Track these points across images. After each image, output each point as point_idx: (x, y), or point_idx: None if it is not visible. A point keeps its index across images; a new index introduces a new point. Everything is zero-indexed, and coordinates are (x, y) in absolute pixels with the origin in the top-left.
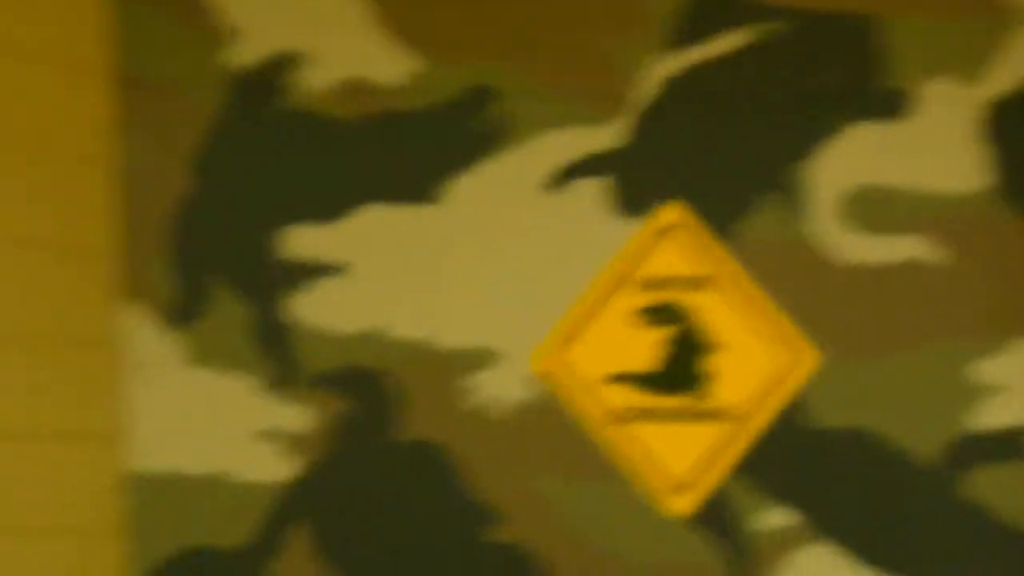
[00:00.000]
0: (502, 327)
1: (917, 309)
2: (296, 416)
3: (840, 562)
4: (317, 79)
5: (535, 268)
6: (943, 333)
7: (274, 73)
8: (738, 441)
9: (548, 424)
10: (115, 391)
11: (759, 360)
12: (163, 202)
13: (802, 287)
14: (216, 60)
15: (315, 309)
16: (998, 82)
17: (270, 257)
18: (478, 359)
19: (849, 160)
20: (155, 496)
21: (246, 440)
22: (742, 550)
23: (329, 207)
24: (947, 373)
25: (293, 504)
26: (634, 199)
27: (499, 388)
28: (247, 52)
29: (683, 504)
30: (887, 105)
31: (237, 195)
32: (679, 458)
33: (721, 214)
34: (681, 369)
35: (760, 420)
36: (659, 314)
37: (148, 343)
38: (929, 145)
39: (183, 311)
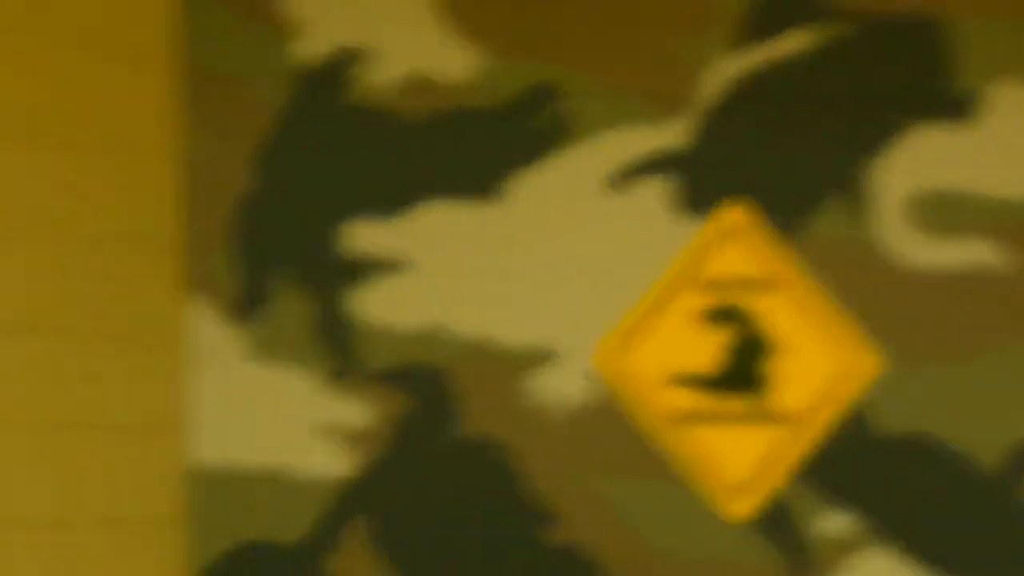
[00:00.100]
0: (563, 326)
1: (981, 315)
2: (356, 412)
3: (900, 567)
4: (381, 75)
5: (597, 267)
6: (1006, 339)
7: (339, 68)
8: (799, 445)
9: (607, 424)
10: (177, 384)
11: (821, 363)
12: (227, 196)
13: (866, 290)
14: (281, 55)
15: (376, 305)
16: None
17: (332, 252)
18: (539, 357)
19: (916, 162)
20: (214, 490)
21: (306, 435)
22: (801, 554)
23: (392, 203)
24: (1010, 379)
25: (351, 500)
26: (698, 199)
27: (559, 387)
28: (312, 47)
29: (742, 507)
30: (955, 107)
31: (300, 189)
32: (739, 461)
33: (785, 215)
34: (743, 371)
35: (821, 424)
36: (721, 315)
37: (210, 336)
38: (997, 148)
39: (246, 305)
